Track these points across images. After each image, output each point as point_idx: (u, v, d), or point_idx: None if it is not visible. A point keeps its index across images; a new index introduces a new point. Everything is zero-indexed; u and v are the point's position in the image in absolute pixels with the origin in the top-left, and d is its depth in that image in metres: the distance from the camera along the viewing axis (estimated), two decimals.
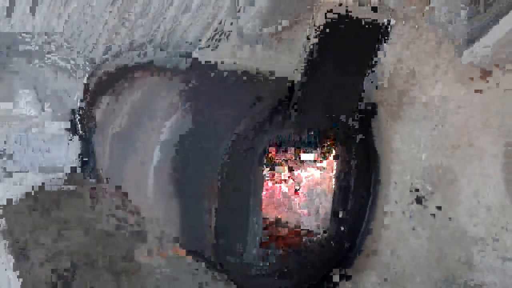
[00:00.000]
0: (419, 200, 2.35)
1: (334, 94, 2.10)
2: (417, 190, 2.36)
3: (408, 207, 2.40)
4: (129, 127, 2.30)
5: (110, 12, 2.20)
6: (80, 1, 2.19)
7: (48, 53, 2.66)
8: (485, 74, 2.12)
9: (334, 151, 2.34)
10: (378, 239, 2.55)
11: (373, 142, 2.41)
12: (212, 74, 2.06)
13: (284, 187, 2.52)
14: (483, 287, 2.17)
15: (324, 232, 2.30)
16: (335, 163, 2.27)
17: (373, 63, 2.13)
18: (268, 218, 2.44)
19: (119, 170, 2.37)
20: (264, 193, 2.44)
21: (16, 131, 2.46)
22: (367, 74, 2.13)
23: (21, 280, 2.61)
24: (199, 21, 2.02)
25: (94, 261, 2.88)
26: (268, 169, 2.40)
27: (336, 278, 2.44)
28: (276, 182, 2.50)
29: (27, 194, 2.77)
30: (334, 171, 2.30)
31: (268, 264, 2.13)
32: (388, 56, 2.44)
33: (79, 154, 2.40)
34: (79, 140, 2.41)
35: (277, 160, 2.43)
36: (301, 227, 2.47)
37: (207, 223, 1.92)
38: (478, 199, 2.14)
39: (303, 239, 2.35)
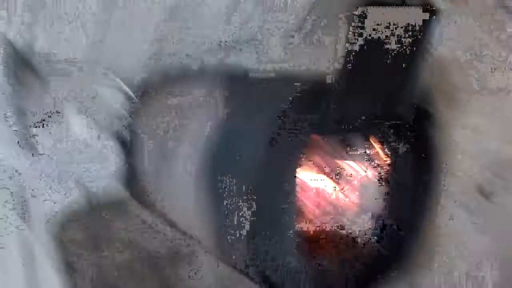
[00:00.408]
0: (487, 196, 2.11)
1: (378, 84, 1.88)
2: (484, 186, 2.12)
3: (475, 204, 2.16)
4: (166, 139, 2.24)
5: None
6: None
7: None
8: None
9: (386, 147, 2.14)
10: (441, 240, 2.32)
11: (430, 134, 2.17)
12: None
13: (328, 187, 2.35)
14: None
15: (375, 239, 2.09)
16: (386, 160, 2.07)
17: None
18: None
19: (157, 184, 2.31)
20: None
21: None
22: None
23: None
24: None
25: (140, 280, 2.84)
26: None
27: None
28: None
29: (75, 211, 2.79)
30: (385, 169, 2.09)
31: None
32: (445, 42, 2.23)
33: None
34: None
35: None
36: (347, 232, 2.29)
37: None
38: None
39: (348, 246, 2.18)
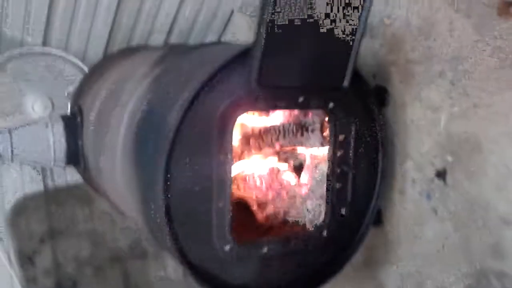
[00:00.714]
0: (440, 175, 1.93)
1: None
2: (436, 163, 1.94)
3: (427, 185, 1.98)
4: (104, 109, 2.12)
5: None
6: None
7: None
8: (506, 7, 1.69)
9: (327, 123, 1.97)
10: (395, 226, 2.14)
11: (378, 108, 2.01)
12: None
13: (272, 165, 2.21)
14: None
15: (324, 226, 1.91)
16: (330, 136, 1.90)
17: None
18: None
19: (96, 161, 2.19)
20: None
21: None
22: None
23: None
24: None
25: (101, 270, 2.74)
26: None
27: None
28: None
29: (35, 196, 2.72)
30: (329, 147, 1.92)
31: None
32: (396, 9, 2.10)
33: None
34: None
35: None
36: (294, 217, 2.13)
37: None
38: (507, 165, 1.69)
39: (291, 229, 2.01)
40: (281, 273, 1.85)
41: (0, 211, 2.71)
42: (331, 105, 1.82)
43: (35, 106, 2.63)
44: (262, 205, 2.36)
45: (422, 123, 2.00)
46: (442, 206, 1.94)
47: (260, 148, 2.35)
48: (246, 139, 2.38)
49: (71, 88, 2.44)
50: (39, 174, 2.86)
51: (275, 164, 2.36)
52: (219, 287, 1.72)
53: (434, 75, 1.94)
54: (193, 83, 1.55)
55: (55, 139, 2.22)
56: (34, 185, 2.84)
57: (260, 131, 2.34)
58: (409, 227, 2.09)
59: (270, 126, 2.28)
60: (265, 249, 1.76)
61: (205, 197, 1.62)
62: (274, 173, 2.40)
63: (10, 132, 2.18)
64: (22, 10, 2.49)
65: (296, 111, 2.01)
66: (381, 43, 2.16)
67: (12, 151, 2.17)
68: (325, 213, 1.89)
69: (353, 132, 1.86)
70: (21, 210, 2.70)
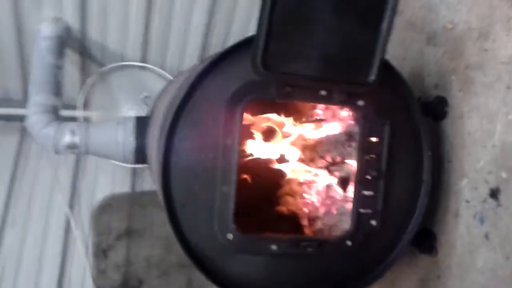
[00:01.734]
0: (493, 194, 1.67)
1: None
2: (490, 180, 1.69)
3: (481, 206, 1.72)
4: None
5: None
6: None
7: None
8: None
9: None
10: (448, 255, 1.87)
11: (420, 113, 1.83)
12: None
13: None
14: None
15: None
16: (359, 137, 1.77)
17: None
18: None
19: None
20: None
21: None
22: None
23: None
24: None
25: (167, 273, 2.81)
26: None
27: None
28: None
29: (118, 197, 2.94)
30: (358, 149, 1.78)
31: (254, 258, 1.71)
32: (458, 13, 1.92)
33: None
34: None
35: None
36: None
37: None
38: None
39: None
40: (293, 276, 1.73)
41: (88, 206, 2.99)
42: (360, 102, 1.70)
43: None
44: (312, 220, 2.25)
45: (478, 135, 1.76)
46: (494, 230, 1.66)
47: (312, 160, 2.28)
48: (303, 151, 2.33)
49: (146, 93, 2.65)
50: (130, 178, 3.11)
51: (326, 178, 2.25)
52: (219, 277, 1.66)
53: (491, 80, 1.71)
54: (203, 65, 1.59)
55: (124, 137, 2.38)
56: (123, 187, 3.09)
57: (315, 142, 2.28)
58: (461, 255, 1.81)
59: (323, 137, 2.21)
60: (274, 247, 1.67)
61: (209, 180, 1.61)
62: (327, 188, 2.29)
63: (87, 125, 2.42)
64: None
65: (347, 121, 1.92)
66: (444, 51, 1.99)
67: (86, 143, 2.40)
68: (351, 222, 1.73)
69: (386, 134, 1.71)
70: (106, 208, 2.94)
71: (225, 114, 1.59)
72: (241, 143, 1.63)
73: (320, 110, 2.27)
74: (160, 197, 1.62)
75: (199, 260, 1.65)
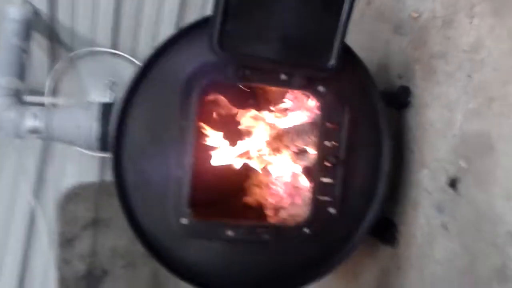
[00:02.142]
0: (452, 184, 1.66)
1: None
2: (450, 170, 1.68)
3: (440, 195, 1.71)
4: None
5: None
6: None
7: None
8: None
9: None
10: (408, 245, 1.85)
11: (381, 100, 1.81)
12: None
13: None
14: None
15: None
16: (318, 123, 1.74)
17: None
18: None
19: None
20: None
21: None
22: None
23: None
24: None
25: (132, 264, 2.77)
26: None
27: None
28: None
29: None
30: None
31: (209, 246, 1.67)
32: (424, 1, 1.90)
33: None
34: None
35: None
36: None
37: None
38: None
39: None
40: (249, 263, 1.70)
41: (54, 195, 2.92)
42: (321, 88, 1.68)
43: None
44: (277, 211, 2.23)
45: (439, 125, 1.75)
46: (453, 220, 1.64)
47: (278, 150, 2.25)
48: (269, 142, 2.30)
49: (112, 78, 2.60)
50: (98, 167, 3.05)
51: (291, 167, 2.23)
52: (173, 263, 1.63)
53: (453, 69, 1.70)
54: (158, 44, 1.55)
55: (89, 122, 2.33)
56: (91, 177, 3.03)
57: (280, 132, 2.25)
58: (421, 246, 1.79)
59: (289, 128, 2.18)
60: (230, 232, 1.63)
61: (163, 164, 1.57)
62: (292, 178, 2.26)
63: (50, 110, 2.36)
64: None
65: (313, 111, 1.89)
66: (409, 40, 1.97)
67: (49, 128, 2.34)
68: (309, 209, 1.71)
69: (346, 122, 1.69)
70: (73, 197, 2.88)
71: (180, 95, 1.56)
72: (198, 125, 1.59)
73: (288, 99, 2.25)
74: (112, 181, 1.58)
75: (152, 245, 1.61)
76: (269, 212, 2.23)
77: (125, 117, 1.54)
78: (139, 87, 1.54)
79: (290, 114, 2.21)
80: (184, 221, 1.59)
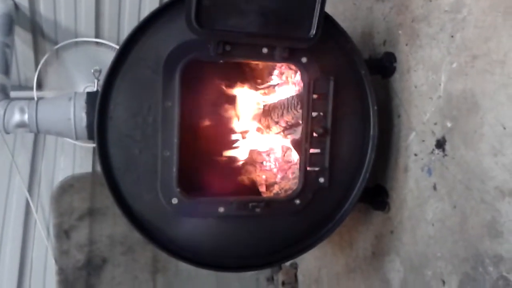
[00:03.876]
0: (439, 145, 1.66)
1: None
2: (437, 131, 1.68)
3: (429, 158, 1.71)
4: None
5: None
6: None
7: None
8: None
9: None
10: (399, 210, 1.87)
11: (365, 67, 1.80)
12: None
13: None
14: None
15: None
16: (304, 95, 1.73)
17: None
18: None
19: None
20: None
21: None
22: None
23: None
24: None
25: (132, 250, 2.77)
26: None
27: None
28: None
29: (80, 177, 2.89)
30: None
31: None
32: None
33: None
34: None
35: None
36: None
37: None
38: (503, 123, 1.40)
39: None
40: (242, 237, 1.71)
41: (48, 187, 2.93)
42: (304, 59, 1.67)
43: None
44: (269, 186, 2.24)
45: (424, 88, 1.75)
46: (442, 180, 1.65)
47: (268, 127, 2.26)
48: (259, 119, 2.30)
49: (97, 67, 2.58)
50: (91, 158, 3.05)
51: (281, 143, 2.24)
52: (167, 243, 1.63)
53: (435, 31, 1.70)
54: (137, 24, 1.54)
55: (76, 113, 2.32)
56: (84, 168, 3.03)
57: (269, 108, 2.25)
58: (412, 209, 1.81)
59: (277, 102, 2.18)
60: (221, 209, 1.64)
61: (150, 145, 1.57)
62: (283, 152, 2.27)
63: (37, 102, 2.35)
64: None
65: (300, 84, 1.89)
66: (391, 6, 1.96)
67: (36, 120, 2.33)
68: (299, 181, 1.71)
69: (331, 91, 1.68)
70: (67, 188, 2.88)
71: (163, 75, 1.55)
72: (182, 104, 1.58)
73: (275, 76, 2.25)
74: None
75: (146, 228, 1.62)
76: (262, 188, 2.24)
77: (107, 101, 1.54)
78: (120, 70, 1.54)
79: (277, 89, 2.21)
80: (174, 200, 1.59)
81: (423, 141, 1.75)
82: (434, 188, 1.68)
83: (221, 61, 1.63)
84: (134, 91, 1.56)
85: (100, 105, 1.52)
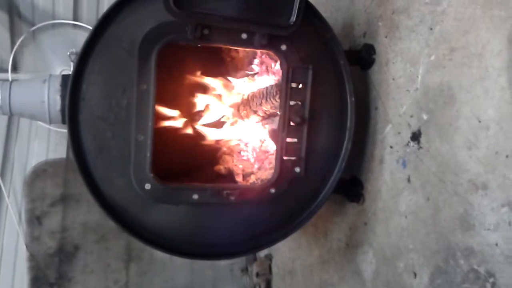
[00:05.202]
0: (415, 137, 1.66)
1: None
2: (412, 124, 1.68)
3: (404, 150, 1.72)
4: None
5: None
6: None
7: None
8: None
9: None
10: (374, 201, 1.87)
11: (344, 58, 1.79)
12: None
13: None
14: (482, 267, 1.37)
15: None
16: (282, 83, 1.71)
17: None
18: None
19: None
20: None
21: None
22: None
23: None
24: None
25: (105, 238, 2.74)
26: None
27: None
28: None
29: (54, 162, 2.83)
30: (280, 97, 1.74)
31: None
32: None
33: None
34: None
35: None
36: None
37: None
38: (478, 116, 1.40)
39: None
40: (216, 225, 1.69)
41: (21, 172, 2.87)
42: (283, 47, 1.65)
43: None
44: (246, 176, 2.22)
45: (402, 80, 1.75)
46: (416, 173, 1.66)
47: (247, 116, 2.24)
48: (238, 108, 2.28)
49: (73, 49, 2.53)
50: (65, 143, 2.99)
51: (259, 131, 2.22)
52: (139, 229, 1.61)
53: (415, 23, 1.69)
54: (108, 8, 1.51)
55: (50, 95, 2.27)
56: (58, 153, 2.98)
57: (248, 97, 2.23)
58: (385, 201, 1.81)
59: (256, 92, 2.16)
60: (195, 196, 1.62)
61: (123, 129, 1.54)
62: (261, 142, 2.26)
63: (11, 83, 2.29)
64: None
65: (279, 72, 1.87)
66: None
67: (9, 102, 2.27)
68: (275, 170, 1.70)
69: (309, 80, 1.67)
70: (40, 174, 2.83)
71: (138, 57, 1.52)
72: (158, 88, 1.55)
73: (255, 65, 2.23)
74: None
75: (116, 213, 1.59)
76: (238, 178, 2.22)
77: (80, 81, 1.50)
78: (94, 50, 1.50)
79: (257, 79, 2.19)
80: (147, 186, 1.57)
81: (399, 133, 1.75)
82: (408, 180, 1.69)
83: (199, 45, 1.61)
84: (108, 73, 1.52)
85: (72, 85, 1.48)
